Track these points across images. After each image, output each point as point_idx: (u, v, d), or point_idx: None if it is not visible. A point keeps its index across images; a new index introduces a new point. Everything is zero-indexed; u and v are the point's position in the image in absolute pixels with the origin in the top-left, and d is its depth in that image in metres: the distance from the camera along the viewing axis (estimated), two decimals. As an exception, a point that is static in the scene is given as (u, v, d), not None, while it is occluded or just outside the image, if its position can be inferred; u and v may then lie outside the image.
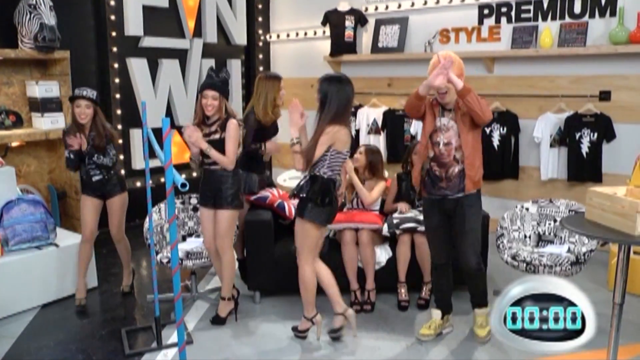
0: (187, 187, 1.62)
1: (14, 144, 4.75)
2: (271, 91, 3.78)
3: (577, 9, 4.89)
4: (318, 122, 3.14)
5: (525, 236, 3.94)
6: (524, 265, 3.55)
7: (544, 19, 5.07)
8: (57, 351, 3.27)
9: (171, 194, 1.65)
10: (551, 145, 5.04)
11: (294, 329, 3.44)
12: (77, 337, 3.46)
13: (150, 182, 3.33)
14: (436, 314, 3.39)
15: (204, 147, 3.32)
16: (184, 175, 6.10)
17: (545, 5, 5.05)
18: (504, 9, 5.30)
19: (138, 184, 5.83)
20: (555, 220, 3.90)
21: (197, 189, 3.60)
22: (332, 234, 4.07)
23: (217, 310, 3.59)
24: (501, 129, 5.29)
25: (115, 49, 5.58)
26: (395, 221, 3.75)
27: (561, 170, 5.08)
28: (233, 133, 3.38)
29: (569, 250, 3.72)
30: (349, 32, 6.27)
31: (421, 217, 3.63)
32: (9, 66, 4.87)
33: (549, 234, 3.92)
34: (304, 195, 3.15)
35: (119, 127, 5.68)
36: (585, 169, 4.91)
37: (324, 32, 6.60)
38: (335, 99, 3.09)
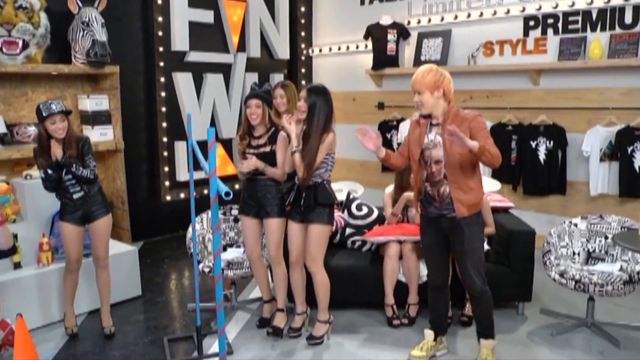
0: (232, 196, 1.64)
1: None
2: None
3: (628, 19, 4.73)
4: (310, 131, 3.30)
5: (574, 253, 3.80)
6: (573, 283, 3.42)
7: (593, 29, 4.93)
8: (102, 357, 3.34)
9: (215, 203, 1.66)
10: (601, 160, 4.88)
11: (310, 337, 3.49)
12: (120, 344, 3.52)
13: (194, 193, 3.37)
14: (428, 334, 3.28)
15: (260, 167, 3.42)
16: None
17: (594, 16, 4.92)
18: (550, 20, 5.19)
19: (182, 195, 5.94)
20: (606, 237, 3.75)
21: (238, 199, 3.63)
22: (375, 247, 4.04)
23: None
24: (548, 142, 5.16)
25: (161, 64, 5.74)
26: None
27: (612, 186, 4.89)
28: (282, 144, 3.45)
29: (621, 269, 3.56)
30: (391, 46, 6.27)
31: None
32: (63, 81, 5.08)
33: (600, 251, 3.77)
34: (324, 202, 3.33)
35: (164, 139, 5.82)
36: (638, 184, 4.71)
37: (366, 45, 6.61)
38: (324, 109, 3.30)
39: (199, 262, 3.76)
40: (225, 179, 6.09)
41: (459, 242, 3.02)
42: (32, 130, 4.83)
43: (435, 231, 3.12)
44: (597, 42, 4.84)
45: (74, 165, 3.37)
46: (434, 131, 3.02)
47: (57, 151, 3.31)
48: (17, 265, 3.81)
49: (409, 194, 3.81)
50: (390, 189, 4.11)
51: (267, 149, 3.47)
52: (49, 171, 3.34)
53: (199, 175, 6.08)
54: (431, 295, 3.30)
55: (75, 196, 3.46)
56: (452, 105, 3.02)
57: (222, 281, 4.43)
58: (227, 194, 1.60)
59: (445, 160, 2.96)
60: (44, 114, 3.29)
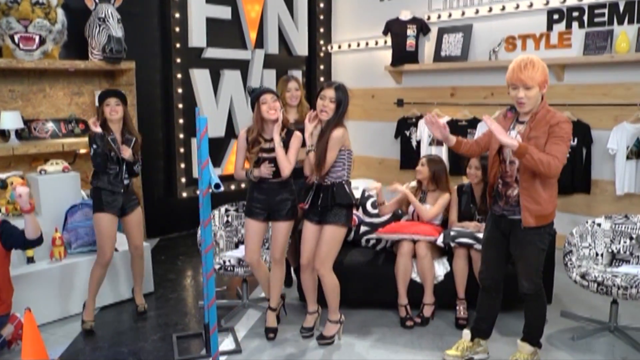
0: (221, 188, 1.57)
1: (82, 150, 4.94)
2: (280, 90, 3.90)
3: (658, 11, 4.55)
4: (325, 129, 3.20)
5: (597, 254, 3.65)
6: (595, 285, 3.28)
7: (620, 22, 4.74)
8: (110, 353, 3.32)
9: (207, 196, 1.60)
10: (628, 157, 4.69)
11: (321, 337, 3.42)
12: (130, 340, 3.50)
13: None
14: (465, 334, 3.18)
15: (277, 140, 3.24)
16: (233, 187, 6.15)
17: (621, 8, 4.73)
18: (575, 14, 5.01)
19: (198, 192, 5.91)
20: (631, 238, 3.59)
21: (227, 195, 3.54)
22: (389, 245, 3.95)
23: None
24: (572, 140, 4.97)
25: (178, 60, 5.73)
26: (452, 233, 3.58)
27: (639, 185, 4.70)
28: (296, 142, 3.32)
29: (646, 271, 3.41)
30: (410, 41, 6.15)
31: (480, 235, 3.48)
32: (80, 77, 5.10)
33: (625, 252, 3.61)
34: (342, 202, 3.23)
35: (181, 136, 5.81)
36: (666, 184, 4.52)
37: (385, 42, 6.50)
38: (344, 107, 3.21)
39: (209, 259, 3.71)
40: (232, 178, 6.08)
41: (514, 245, 2.93)
42: (50, 126, 4.88)
43: (494, 229, 3.02)
44: (624, 35, 4.66)
45: (136, 165, 3.72)
46: (517, 128, 2.86)
47: (126, 153, 3.63)
48: (30, 260, 3.82)
49: (406, 191, 3.77)
50: (410, 184, 4.02)
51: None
52: (94, 145, 3.53)
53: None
54: (480, 296, 3.18)
55: (125, 182, 3.67)
56: (544, 102, 2.79)
57: (232, 279, 4.40)
58: (216, 185, 1.54)
59: (519, 163, 2.80)
60: (102, 97, 3.65)
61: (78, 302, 3.86)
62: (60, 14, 4.60)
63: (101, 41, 4.77)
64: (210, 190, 1.66)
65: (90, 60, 4.89)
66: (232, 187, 6.16)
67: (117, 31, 4.79)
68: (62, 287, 3.79)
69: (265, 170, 3.29)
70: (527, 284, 2.92)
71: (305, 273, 3.44)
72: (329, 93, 3.18)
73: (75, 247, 3.97)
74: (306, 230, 3.36)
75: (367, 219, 4.07)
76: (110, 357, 3.27)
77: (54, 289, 3.76)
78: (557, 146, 2.69)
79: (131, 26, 5.14)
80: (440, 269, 3.71)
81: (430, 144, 6.02)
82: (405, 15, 6.15)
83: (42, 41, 4.48)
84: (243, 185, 6.14)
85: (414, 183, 4.05)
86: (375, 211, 4.09)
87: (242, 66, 6.29)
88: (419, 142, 6.16)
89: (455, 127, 5.78)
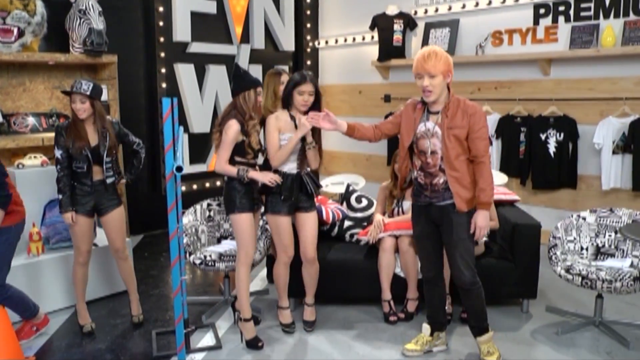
0: (182, 171, 1.52)
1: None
2: (271, 84, 3.87)
3: (643, 5, 4.53)
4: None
5: (582, 248, 3.62)
6: (579, 279, 3.24)
7: (606, 16, 4.72)
8: (87, 350, 3.25)
9: (171, 180, 1.55)
10: (613, 152, 4.67)
11: (309, 324, 3.51)
12: (108, 336, 3.42)
13: (184, 187, 3.25)
14: (425, 328, 3.16)
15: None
16: (218, 182, 6.07)
17: (607, 2, 4.71)
18: (561, 8, 4.99)
19: (183, 187, 5.84)
20: (616, 232, 3.57)
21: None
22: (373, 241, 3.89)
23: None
24: (558, 135, 4.96)
25: (163, 55, 5.65)
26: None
27: (625, 180, 4.68)
28: (273, 129, 3.27)
29: (632, 265, 3.38)
30: (397, 36, 6.11)
31: None
32: (62, 70, 5.01)
33: (610, 246, 3.59)
34: (319, 187, 3.42)
35: (165, 131, 5.73)
36: (652, 178, 4.50)
37: (372, 37, 6.47)
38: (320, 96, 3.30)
39: (190, 254, 3.65)
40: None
41: (448, 232, 2.91)
42: (30, 120, 4.78)
43: (425, 221, 3.00)
44: (610, 29, 4.64)
45: (132, 170, 3.62)
46: (431, 120, 2.87)
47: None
48: (7, 255, 3.73)
49: (379, 219, 3.67)
50: (386, 182, 3.96)
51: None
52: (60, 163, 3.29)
53: (200, 168, 6.01)
54: (426, 289, 3.17)
55: (108, 180, 3.37)
56: (452, 92, 2.87)
57: (213, 274, 4.33)
58: (178, 168, 1.48)
59: (442, 153, 2.82)
60: (69, 90, 3.25)
61: (56, 298, 3.79)
62: (39, 5, 4.51)
63: (82, 34, 4.68)
64: (174, 175, 1.60)
65: (71, 54, 4.80)
66: (218, 183, 6.10)
67: (98, 24, 4.71)
68: (40, 283, 3.71)
69: (273, 180, 3.14)
70: (467, 272, 2.89)
71: (285, 267, 3.39)
72: (309, 87, 3.18)
73: (53, 242, 3.89)
74: (282, 223, 3.28)
75: (352, 214, 4.02)
76: (86, 354, 3.20)
77: (32, 285, 3.67)
78: (481, 142, 2.80)
79: (113, 19, 5.06)
80: (424, 263, 3.66)
81: (417, 140, 5.98)
82: (392, 10, 6.12)
83: (21, 33, 4.39)
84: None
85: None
86: (359, 206, 4.04)
87: (228, 61, 6.21)
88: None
89: (442, 122, 5.73)
